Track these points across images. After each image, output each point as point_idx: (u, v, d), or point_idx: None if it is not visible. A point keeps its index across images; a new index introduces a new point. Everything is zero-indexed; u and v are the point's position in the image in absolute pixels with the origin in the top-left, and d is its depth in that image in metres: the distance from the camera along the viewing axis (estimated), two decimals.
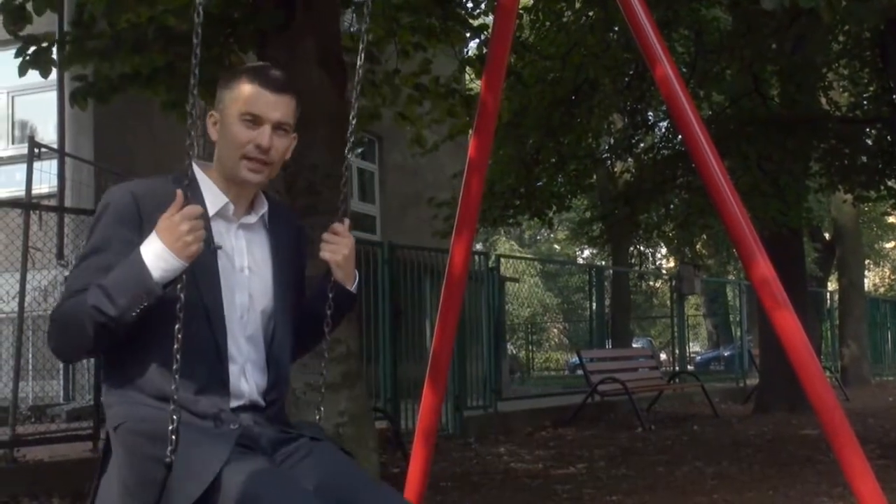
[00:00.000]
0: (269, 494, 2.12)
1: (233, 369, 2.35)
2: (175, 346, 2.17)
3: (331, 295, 2.53)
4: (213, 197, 2.39)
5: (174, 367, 2.17)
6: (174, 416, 2.16)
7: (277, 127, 2.36)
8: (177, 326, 2.17)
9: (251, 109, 2.34)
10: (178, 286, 2.18)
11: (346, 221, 2.55)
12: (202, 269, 2.30)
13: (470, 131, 7.41)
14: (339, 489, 2.28)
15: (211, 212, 2.36)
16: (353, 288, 2.58)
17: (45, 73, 6.50)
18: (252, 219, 2.47)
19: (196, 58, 2.20)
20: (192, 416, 2.25)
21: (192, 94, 2.21)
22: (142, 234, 2.22)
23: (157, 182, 2.36)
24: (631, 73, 11.47)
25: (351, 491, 2.29)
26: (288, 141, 2.42)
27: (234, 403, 2.34)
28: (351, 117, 2.62)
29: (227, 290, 2.37)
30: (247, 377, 2.38)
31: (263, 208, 2.49)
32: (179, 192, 2.18)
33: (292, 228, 2.60)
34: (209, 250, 2.31)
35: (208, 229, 2.27)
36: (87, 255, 2.30)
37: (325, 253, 2.50)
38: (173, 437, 2.15)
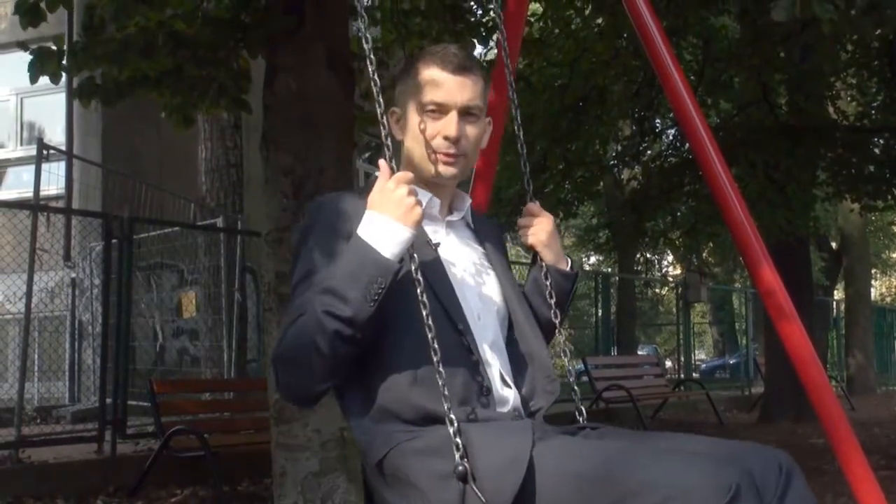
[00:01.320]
0: (592, 460, 1.83)
1: (492, 374, 2.07)
2: (435, 358, 1.89)
3: (548, 282, 2.29)
4: (417, 193, 2.07)
5: (438, 379, 1.89)
6: (452, 417, 1.87)
7: (465, 112, 2.11)
8: (430, 334, 1.90)
9: (433, 97, 2.10)
10: (414, 267, 1.93)
11: (535, 202, 2.36)
12: (429, 267, 2.03)
13: None
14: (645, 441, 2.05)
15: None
16: (569, 267, 2.34)
17: (55, 80, 6.52)
18: (456, 217, 2.24)
19: (372, 63, 2.05)
20: (467, 423, 1.93)
21: (374, 81, 2.05)
22: None
23: (354, 193, 2.14)
24: (639, 80, 11.46)
25: (664, 440, 2.04)
26: (481, 127, 2.16)
27: (500, 410, 2.05)
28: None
29: (458, 290, 2.10)
30: (507, 382, 2.10)
31: (465, 205, 2.27)
32: (382, 161, 1.99)
33: (493, 227, 2.39)
34: (430, 247, 2.08)
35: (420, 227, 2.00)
36: (302, 279, 2.01)
37: (529, 237, 2.31)
38: (458, 440, 1.85)
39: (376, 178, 2.02)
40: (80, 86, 6.84)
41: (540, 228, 2.31)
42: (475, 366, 2.03)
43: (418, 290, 1.91)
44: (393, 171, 1.97)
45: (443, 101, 2.09)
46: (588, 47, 10.68)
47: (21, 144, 12.27)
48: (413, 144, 2.13)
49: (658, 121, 14.14)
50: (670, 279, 27.58)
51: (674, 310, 18.92)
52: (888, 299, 38.86)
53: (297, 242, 2.08)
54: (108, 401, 7.58)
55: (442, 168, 2.11)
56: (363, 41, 2.10)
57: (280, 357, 1.95)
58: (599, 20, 10.57)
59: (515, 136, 2.45)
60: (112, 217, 7.98)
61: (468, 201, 2.27)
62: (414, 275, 1.93)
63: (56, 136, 11.78)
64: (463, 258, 2.18)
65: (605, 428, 2.11)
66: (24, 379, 7.42)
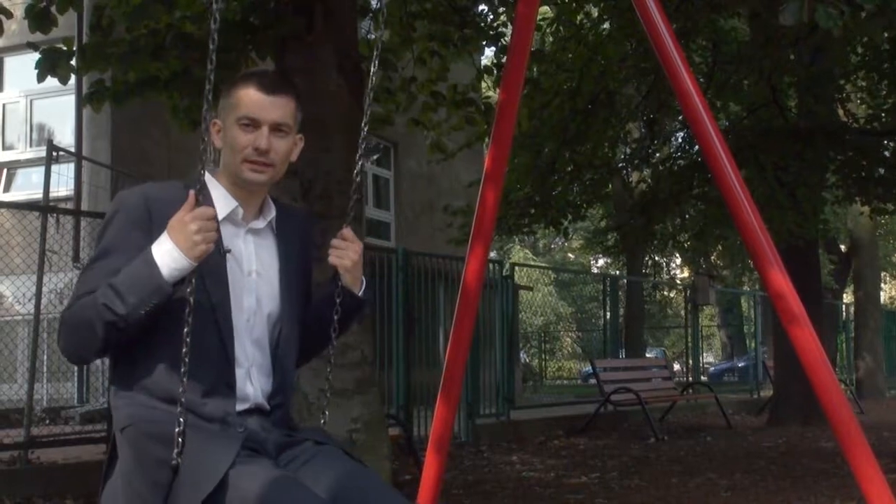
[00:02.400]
0: (274, 496, 2.13)
1: (239, 373, 2.38)
2: (184, 350, 2.19)
3: (338, 300, 2.54)
4: (223, 201, 2.41)
5: (182, 369, 2.19)
6: (181, 419, 2.19)
7: (276, 128, 2.39)
8: (185, 329, 2.19)
9: (247, 113, 2.37)
10: (188, 289, 2.21)
11: (349, 228, 2.55)
12: (211, 272, 2.33)
13: (486, 140, 7.43)
14: (343, 490, 2.28)
15: (220, 216, 2.35)
16: (360, 293, 2.58)
17: (63, 80, 6.54)
18: (260, 224, 2.49)
19: (212, 63, 2.25)
20: (199, 419, 2.28)
21: (206, 100, 2.25)
22: (152, 238, 2.24)
23: (169, 186, 2.40)
24: (650, 82, 11.46)
25: (359, 493, 2.29)
26: (289, 142, 2.44)
27: (239, 407, 2.37)
28: (363, 124, 2.62)
29: (234, 293, 2.39)
30: (252, 381, 2.41)
31: (271, 214, 2.51)
32: (192, 192, 2.22)
33: (300, 233, 2.61)
34: (219, 253, 2.34)
35: (218, 233, 2.28)
36: (98, 257, 2.33)
37: (334, 258, 2.51)
38: (180, 439, 2.18)
39: (201, 169, 2.24)
40: (91, 91, 6.86)
41: (347, 254, 2.51)
42: (227, 364, 2.35)
43: (187, 290, 2.20)
44: (198, 202, 2.21)
45: (256, 117, 2.37)
46: (598, 51, 10.68)
47: (31, 146, 12.28)
48: (228, 153, 2.41)
49: (667, 122, 14.12)
50: (678, 282, 27.58)
51: (682, 312, 18.92)
52: None
53: (104, 223, 2.37)
54: None
55: (251, 175, 2.38)
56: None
57: (66, 322, 2.27)
58: (608, 24, 10.59)
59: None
60: None
61: (273, 210, 2.51)
62: (186, 294, 2.20)
63: (65, 137, 11.78)
64: (252, 263, 2.45)
65: (323, 447, 2.39)
66: (34, 380, 7.41)
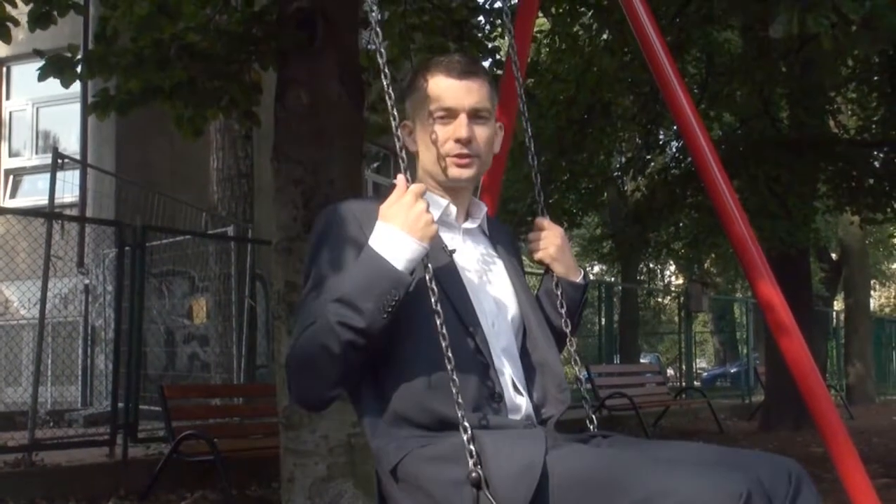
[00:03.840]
0: (604, 467, 1.83)
1: (504, 381, 2.08)
2: (443, 345, 1.90)
3: (559, 292, 2.31)
4: (432, 203, 2.11)
5: (450, 366, 1.90)
6: (465, 424, 1.87)
7: (474, 115, 2.12)
8: (438, 322, 1.91)
9: (441, 103, 2.11)
10: (427, 276, 1.94)
11: (544, 217, 2.36)
12: (444, 274, 2.05)
13: None
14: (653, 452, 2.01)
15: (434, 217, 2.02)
16: (580, 279, 2.35)
17: (66, 84, 6.61)
18: (472, 224, 2.24)
19: (382, 57, 2.08)
20: (480, 430, 1.93)
21: (388, 95, 2.07)
22: None
23: (371, 201, 2.12)
24: (645, 92, 11.58)
25: (673, 449, 2.01)
26: (491, 129, 2.16)
27: (512, 417, 2.06)
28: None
29: (473, 296, 2.11)
30: (519, 389, 2.11)
31: (481, 212, 2.27)
32: (400, 176, 1.99)
33: (507, 235, 2.37)
34: (446, 254, 2.09)
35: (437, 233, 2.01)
36: (316, 284, 2.01)
37: (538, 252, 2.32)
38: (471, 447, 1.86)
39: (388, 186, 2.04)
40: (95, 100, 6.95)
41: (549, 242, 2.32)
42: (488, 372, 2.03)
43: (432, 300, 1.91)
44: (409, 184, 1.98)
45: (451, 106, 2.10)
46: (594, 62, 10.81)
47: (36, 153, 12.38)
48: (426, 152, 2.14)
49: (661, 133, 14.25)
50: (672, 289, 27.66)
51: (676, 319, 19.00)
52: (887, 310, 38.86)
53: (311, 247, 2.09)
54: (120, 405, 7.63)
55: (456, 171, 2.12)
56: (378, 55, 2.14)
57: (293, 362, 1.95)
58: (605, 36, 10.70)
59: (526, 148, 2.53)
60: (125, 225, 8.06)
61: (484, 209, 2.27)
62: (428, 283, 1.93)
63: (71, 145, 11.87)
64: (478, 265, 2.18)
65: (616, 436, 2.13)
66: (38, 383, 7.45)
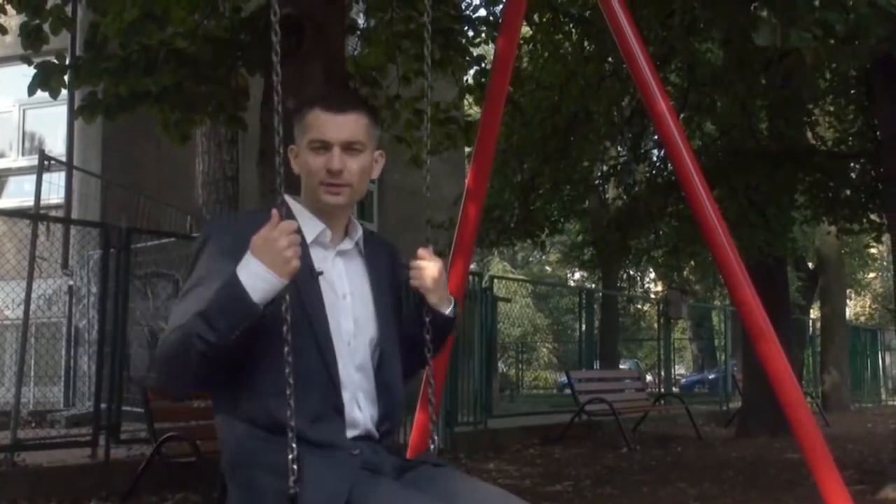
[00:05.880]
0: None
1: (346, 396, 2.26)
2: (286, 371, 2.10)
3: (427, 320, 2.44)
4: (309, 224, 2.33)
5: (288, 391, 2.10)
6: (293, 444, 2.09)
7: (347, 147, 2.30)
8: (286, 349, 2.10)
9: (316, 135, 2.30)
10: (284, 307, 2.11)
11: (426, 248, 2.49)
12: (307, 295, 2.25)
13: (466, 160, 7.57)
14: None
15: (309, 239, 2.29)
16: (449, 312, 2.49)
17: (54, 95, 6.63)
18: (348, 245, 2.41)
19: (278, 95, 2.19)
20: (309, 445, 2.15)
21: (276, 114, 2.18)
22: None
23: (259, 215, 2.22)
24: (633, 103, 11.67)
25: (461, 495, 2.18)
26: (364, 159, 2.34)
27: (349, 433, 2.26)
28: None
29: (332, 316, 2.29)
30: (360, 406, 2.30)
31: (357, 234, 2.43)
32: (274, 210, 2.12)
33: (386, 254, 2.54)
34: (311, 275, 2.27)
35: (307, 255, 2.23)
36: (189, 288, 2.23)
37: (415, 280, 2.42)
38: (294, 466, 2.07)
39: (280, 194, 2.22)
40: (83, 104, 6.96)
41: (426, 274, 2.43)
42: (333, 388, 2.23)
43: (284, 328, 2.10)
44: (281, 219, 2.11)
45: (325, 139, 2.30)
46: (576, 71, 10.89)
47: (23, 154, 12.39)
48: (305, 177, 2.34)
49: (644, 143, 14.33)
50: (652, 296, 27.80)
51: (655, 326, 19.10)
52: (862, 319, 39.17)
53: (194, 252, 2.30)
54: (103, 406, 7.62)
55: (328, 198, 2.30)
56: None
57: (160, 359, 2.19)
58: (587, 46, 10.78)
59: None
60: (110, 227, 8.04)
61: (360, 230, 2.44)
62: (283, 313, 2.11)
63: (57, 146, 11.88)
64: (344, 285, 2.36)
65: (441, 469, 2.30)
66: (21, 383, 7.44)
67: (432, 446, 2.50)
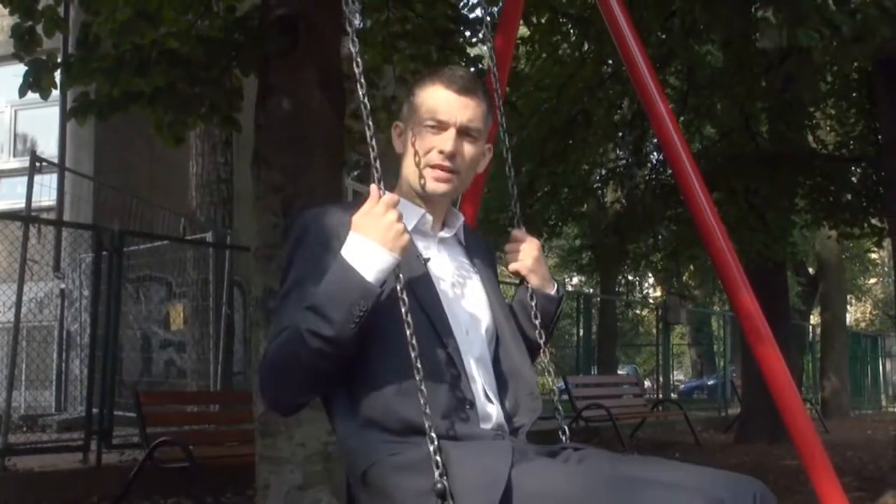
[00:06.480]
0: (570, 486, 1.84)
1: (475, 388, 2.07)
2: (413, 356, 1.90)
3: (533, 303, 2.30)
4: (408, 211, 2.11)
5: (418, 379, 1.90)
6: (433, 435, 1.88)
7: (464, 131, 2.12)
8: (408, 335, 1.91)
9: (433, 114, 2.11)
10: (399, 286, 1.94)
11: (520, 228, 2.38)
12: (417, 283, 2.06)
13: None
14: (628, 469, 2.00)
15: (408, 226, 2.01)
16: (554, 291, 2.35)
17: (45, 96, 6.58)
18: (448, 233, 2.24)
19: (358, 66, 2.03)
20: (448, 441, 1.94)
21: (364, 105, 2.05)
22: None
23: (350, 206, 2.07)
24: (633, 106, 11.63)
25: (642, 467, 2.01)
26: (478, 149, 2.17)
27: (483, 426, 2.06)
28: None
29: (446, 305, 2.11)
30: (491, 398, 2.10)
31: (458, 222, 2.27)
32: (373, 186, 1.97)
33: (484, 244, 2.39)
34: (419, 262, 2.10)
35: (412, 242, 2.03)
36: (291, 288, 2.03)
37: (514, 263, 2.32)
38: (437, 458, 1.87)
39: (365, 194, 2.01)
40: (75, 105, 6.91)
41: (526, 254, 2.32)
42: (460, 380, 2.03)
43: (403, 310, 1.92)
44: (382, 195, 1.96)
45: (443, 119, 2.11)
46: (575, 72, 10.83)
47: (14, 156, 12.36)
48: (410, 158, 2.14)
49: (643, 145, 14.29)
50: (651, 301, 27.76)
51: (654, 331, 19.09)
52: (863, 325, 39.15)
53: (289, 251, 2.10)
54: (95, 411, 7.60)
55: (433, 185, 2.12)
56: (354, 64, 2.09)
57: (265, 367, 1.97)
58: (586, 47, 10.72)
59: (504, 159, 2.54)
60: (102, 229, 8.02)
61: (461, 218, 2.28)
62: (399, 294, 1.93)
63: (49, 148, 11.86)
64: (452, 274, 2.18)
65: (587, 450, 2.11)
66: (12, 387, 7.43)
67: (564, 437, 2.30)
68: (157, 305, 10.03)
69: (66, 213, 10.99)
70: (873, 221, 12.76)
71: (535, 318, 2.30)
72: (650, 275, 26.52)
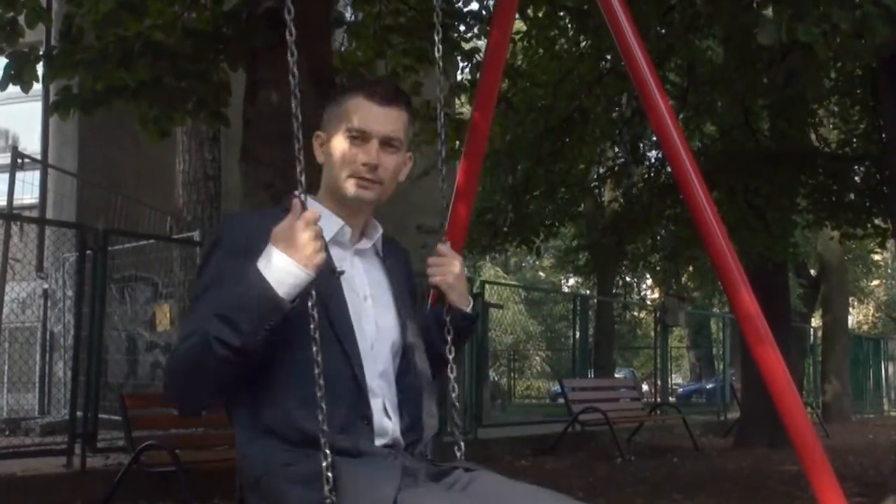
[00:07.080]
0: None
1: (375, 403, 2.14)
2: (317, 372, 1.97)
3: (447, 319, 2.36)
4: (328, 221, 2.17)
5: (319, 395, 1.96)
6: (327, 451, 1.96)
7: (386, 142, 2.20)
8: (314, 350, 1.98)
9: (356, 124, 2.18)
10: (310, 303, 1.99)
11: (445, 243, 2.42)
12: (328, 296, 2.11)
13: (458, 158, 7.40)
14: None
15: (327, 237, 2.10)
16: (469, 309, 2.41)
17: (26, 89, 6.48)
18: (366, 245, 2.31)
19: (294, 77, 2.08)
20: (341, 455, 2.02)
21: (295, 118, 2.09)
22: None
23: (272, 214, 2.12)
24: (632, 103, 11.51)
25: (530, 499, 2.06)
26: (398, 158, 2.24)
27: (378, 442, 2.13)
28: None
29: (354, 318, 2.17)
30: (389, 413, 2.17)
31: (377, 234, 2.33)
32: (295, 200, 2.01)
33: (401, 256, 2.45)
34: (333, 275, 2.15)
35: (328, 254, 2.07)
36: (202, 294, 2.09)
37: (435, 277, 2.36)
38: (329, 474, 1.95)
39: (301, 187, 2.05)
40: (58, 99, 6.80)
41: (447, 270, 2.37)
42: (360, 395, 2.10)
43: (311, 326, 1.98)
44: (304, 209, 1.99)
45: (365, 129, 2.17)
46: (572, 68, 10.72)
47: None
48: (333, 168, 2.21)
49: (641, 143, 14.19)
50: (649, 303, 27.69)
51: (652, 333, 18.99)
52: (865, 327, 39.16)
53: (204, 254, 2.18)
54: (79, 414, 7.57)
55: (357, 192, 2.18)
56: (290, 75, 2.14)
57: (172, 370, 2.04)
58: (583, 42, 10.61)
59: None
60: (86, 228, 7.97)
61: (380, 230, 2.33)
62: (309, 310, 1.99)
63: (31, 144, 11.82)
64: (365, 287, 2.24)
65: (478, 472, 2.14)
66: None
67: (459, 453, 2.35)
68: (142, 306, 9.98)
69: (48, 211, 10.98)
70: (876, 222, 12.68)
71: (448, 332, 2.36)
72: (648, 276, 26.47)
